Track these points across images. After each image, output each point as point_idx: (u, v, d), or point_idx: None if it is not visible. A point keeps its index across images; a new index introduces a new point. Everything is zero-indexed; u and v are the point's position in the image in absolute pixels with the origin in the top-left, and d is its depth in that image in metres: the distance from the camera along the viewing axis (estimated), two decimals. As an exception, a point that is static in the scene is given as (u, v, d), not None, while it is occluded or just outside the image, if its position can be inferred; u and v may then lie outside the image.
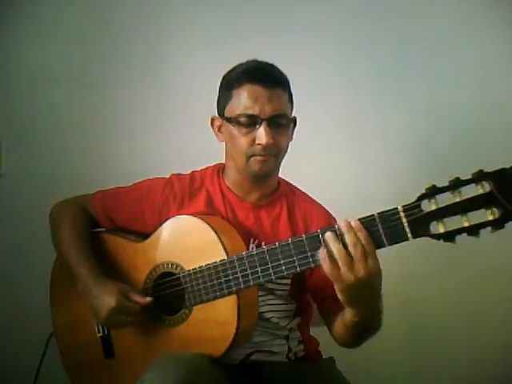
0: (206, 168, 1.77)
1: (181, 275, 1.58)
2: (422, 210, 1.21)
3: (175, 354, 1.49)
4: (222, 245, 1.51)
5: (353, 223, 1.27)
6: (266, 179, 1.66)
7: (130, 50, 2.47)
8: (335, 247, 1.27)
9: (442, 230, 1.19)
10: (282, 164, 1.69)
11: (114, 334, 1.70)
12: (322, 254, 1.29)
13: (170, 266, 1.61)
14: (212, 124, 1.70)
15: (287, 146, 1.64)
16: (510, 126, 2.28)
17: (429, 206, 1.20)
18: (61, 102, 2.47)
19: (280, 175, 1.75)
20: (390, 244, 1.26)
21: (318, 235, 1.33)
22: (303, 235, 1.36)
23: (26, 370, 1.93)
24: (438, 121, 2.36)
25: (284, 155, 1.65)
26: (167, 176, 1.76)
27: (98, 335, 1.71)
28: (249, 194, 1.68)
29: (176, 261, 1.59)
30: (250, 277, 1.45)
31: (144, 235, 1.69)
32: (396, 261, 2.18)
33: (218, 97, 1.67)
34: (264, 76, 1.58)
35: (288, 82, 1.64)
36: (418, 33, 2.37)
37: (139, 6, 2.47)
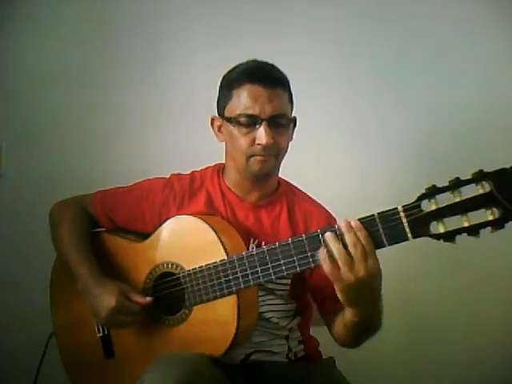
0: (206, 168, 1.77)
1: (181, 275, 1.57)
2: (422, 210, 1.21)
3: (175, 354, 1.49)
4: (222, 245, 1.51)
5: (353, 223, 1.27)
6: (265, 179, 1.66)
7: (130, 49, 2.47)
8: (335, 247, 1.27)
9: (442, 230, 1.19)
10: (282, 164, 1.69)
11: (113, 334, 1.70)
12: (321, 254, 1.29)
13: (169, 265, 1.61)
14: (212, 124, 1.70)
15: (287, 146, 1.64)
16: (509, 125, 2.28)
17: (429, 205, 1.20)
18: (61, 102, 2.47)
19: (280, 175, 1.75)
20: (390, 244, 1.26)
21: (318, 235, 1.33)
22: (303, 235, 1.36)
23: (26, 369, 1.93)
24: (437, 121, 2.36)
25: (284, 155, 1.65)
26: (167, 176, 1.76)
27: (98, 335, 1.71)
28: (249, 193, 1.68)
29: (176, 261, 1.59)
30: (250, 277, 1.45)
31: (144, 235, 1.69)
32: (396, 261, 2.18)
33: (218, 97, 1.67)
34: (264, 76, 1.58)
35: (288, 81, 1.64)
36: (418, 33, 2.37)
37: (139, 5, 2.47)
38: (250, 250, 1.53)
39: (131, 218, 1.74)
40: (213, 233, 1.53)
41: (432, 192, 1.19)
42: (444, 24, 2.36)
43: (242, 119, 1.57)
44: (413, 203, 1.21)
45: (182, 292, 1.57)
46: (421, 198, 1.21)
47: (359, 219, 1.28)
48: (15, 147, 2.46)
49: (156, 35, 2.47)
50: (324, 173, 2.36)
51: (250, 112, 1.55)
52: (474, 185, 1.16)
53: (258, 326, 1.61)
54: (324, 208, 1.73)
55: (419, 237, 1.22)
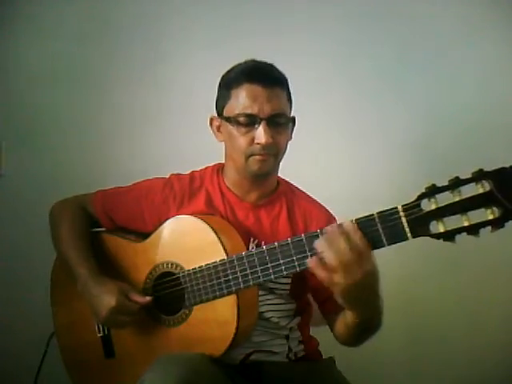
0: (206, 168, 1.77)
1: (180, 275, 1.58)
2: (421, 210, 1.20)
3: (175, 354, 1.49)
4: (222, 245, 1.51)
5: (346, 225, 1.27)
6: (265, 179, 1.66)
7: (130, 50, 2.47)
8: (327, 255, 1.25)
9: (441, 229, 1.19)
10: (281, 164, 1.69)
11: (114, 334, 1.70)
12: (311, 262, 1.28)
13: (169, 265, 1.61)
14: (211, 124, 1.70)
15: (286, 146, 1.64)
16: (509, 125, 2.28)
17: (428, 205, 1.20)
18: (61, 102, 2.47)
19: (280, 175, 1.75)
20: (389, 244, 1.25)
21: (318, 235, 1.32)
22: (303, 235, 1.36)
23: (27, 369, 1.92)
24: (437, 121, 2.36)
25: (283, 155, 1.65)
26: (167, 176, 1.76)
27: (99, 335, 1.71)
28: (248, 193, 1.68)
29: (176, 261, 1.59)
30: (249, 277, 1.45)
31: (144, 235, 1.69)
32: (396, 261, 2.19)
33: (217, 97, 1.67)
34: (263, 75, 1.58)
35: (287, 81, 1.64)
36: (418, 33, 2.37)
37: (139, 6, 2.47)
38: (250, 249, 1.53)
39: (131, 217, 1.74)
40: (212, 233, 1.53)
41: (432, 191, 1.19)
42: (444, 24, 2.37)
43: (241, 119, 1.57)
44: (412, 202, 1.21)
45: (181, 292, 1.57)
46: (420, 197, 1.20)
47: (358, 219, 1.28)
48: (15, 147, 2.46)
49: (156, 35, 2.48)
50: (324, 172, 2.36)
51: (249, 111, 1.55)
52: (473, 184, 1.16)
53: (258, 325, 1.61)
54: (324, 207, 1.73)
55: (419, 236, 1.22)
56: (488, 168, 1.15)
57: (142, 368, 1.43)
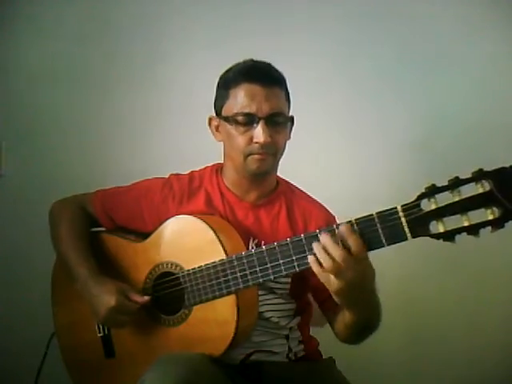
0: (205, 168, 1.77)
1: (180, 275, 1.58)
2: (421, 210, 1.20)
3: (176, 354, 1.49)
4: (221, 244, 1.51)
5: (341, 230, 1.28)
6: (264, 178, 1.66)
7: (131, 50, 2.47)
8: (322, 258, 1.28)
9: (441, 229, 1.19)
10: (281, 163, 1.69)
11: (114, 334, 1.70)
12: (310, 258, 1.31)
13: (169, 265, 1.61)
14: (209, 124, 1.70)
15: (285, 145, 1.64)
16: (509, 125, 2.28)
17: (428, 205, 1.20)
18: (61, 102, 2.47)
19: (280, 175, 1.75)
20: (388, 244, 1.26)
21: (317, 235, 1.32)
22: (302, 235, 1.36)
23: (28, 369, 1.92)
24: (437, 121, 2.36)
25: (282, 154, 1.65)
26: (166, 176, 1.76)
27: (99, 335, 1.71)
28: (247, 193, 1.68)
29: (176, 261, 1.59)
30: (248, 277, 1.45)
31: (144, 235, 1.69)
32: (396, 261, 2.20)
33: (216, 96, 1.67)
34: (261, 75, 1.58)
35: (285, 80, 1.64)
36: (418, 33, 2.37)
37: (139, 6, 2.47)
38: (250, 249, 1.54)
39: (130, 216, 1.74)
40: (212, 232, 1.53)
41: (431, 191, 1.19)
42: (444, 24, 2.36)
43: (240, 118, 1.57)
44: (412, 202, 1.21)
45: (181, 292, 1.57)
46: (420, 197, 1.20)
47: (357, 219, 1.28)
48: (15, 147, 2.46)
49: (156, 35, 2.48)
50: (323, 172, 2.36)
51: (247, 110, 1.56)
52: (473, 184, 1.16)
53: (258, 325, 1.61)
54: (323, 206, 1.73)
55: (418, 236, 1.22)
56: (488, 168, 1.15)
57: (142, 368, 1.43)
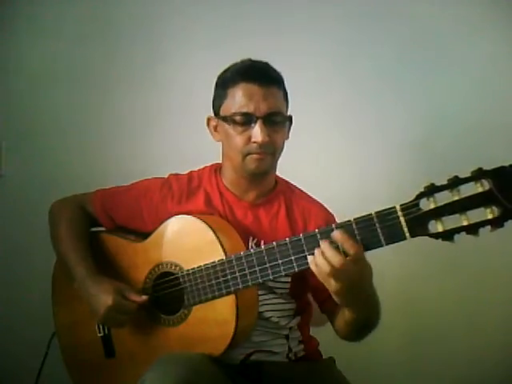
0: (204, 168, 1.78)
1: (180, 275, 1.58)
2: (420, 209, 1.20)
3: (176, 354, 1.49)
4: (221, 244, 1.51)
5: (335, 235, 1.29)
6: (262, 177, 1.66)
7: (131, 50, 2.47)
8: (321, 263, 1.30)
9: (440, 228, 1.19)
10: (281, 163, 1.69)
11: (114, 334, 1.70)
12: (309, 258, 1.33)
13: (169, 265, 1.61)
14: (208, 124, 1.70)
15: (283, 144, 1.64)
16: (509, 125, 2.28)
17: (427, 204, 1.20)
18: (61, 102, 2.47)
19: (280, 175, 1.75)
20: (387, 244, 1.26)
21: (316, 234, 1.33)
22: (301, 235, 1.36)
23: (28, 369, 1.93)
24: (437, 121, 2.36)
25: (280, 153, 1.65)
26: (166, 176, 1.76)
27: (99, 335, 1.71)
28: (246, 192, 1.68)
29: (175, 261, 1.60)
30: (248, 277, 1.46)
31: (144, 235, 1.69)
32: (396, 261, 2.20)
33: (214, 96, 1.67)
34: (259, 74, 1.58)
35: (283, 80, 1.65)
36: (418, 33, 2.37)
37: (140, 6, 2.47)
38: (249, 248, 1.55)
39: (130, 216, 1.75)
40: (211, 232, 1.53)
41: (430, 190, 1.19)
42: (444, 24, 2.36)
43: (238, 117, 1.57)
44: (411, 202, 1.21)
45: (181, 292, 1.57)
46: (419, 196, 1.20)
47: (356, 218, 1.28)
48: (15, 147, 2.46)
49: (156, 35, 2.48)
50: (323, 172, 2.36)
51: (245, 110, 1.56)
52: (473, 183, 1.15)
53: (258, 325, 1.61)
54: (322, 205, 1.73)
55: (417, 236, 1.22)
56: (488, 168, 1.15)
57: (142, 368, 1.43)
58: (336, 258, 1.27)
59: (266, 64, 1.64)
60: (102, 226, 1.80)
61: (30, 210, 2.35)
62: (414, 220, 1.21)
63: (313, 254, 1.32)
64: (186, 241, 1.59)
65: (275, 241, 1.41)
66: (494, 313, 2.32)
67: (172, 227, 1.63)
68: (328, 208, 1.73)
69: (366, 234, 1.27)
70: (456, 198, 1.17)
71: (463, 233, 1.18)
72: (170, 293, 1.60)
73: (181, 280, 1.57)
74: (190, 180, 1.73)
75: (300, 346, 1.71)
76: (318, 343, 1.78)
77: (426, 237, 1.22)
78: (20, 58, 2.50)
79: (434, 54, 2.37)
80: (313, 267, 1.31)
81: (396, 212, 1.23)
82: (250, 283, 1.46)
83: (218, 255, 1.51)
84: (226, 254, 1.50)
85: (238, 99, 1.57)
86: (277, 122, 1.59)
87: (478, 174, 1.15)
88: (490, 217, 1.15)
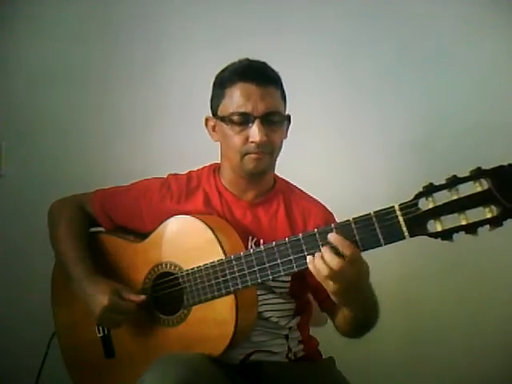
0: (202, 168, 1.78)
1: (179, 275, 1.58)
2: (418, 209, 1.20)
3: (175, 354, 1.49)
4: (220, 244, 1.51)
5: (332, 238, 1.30)
6: (261, 177, 1.66)
7: (130, 49, 2.48)
8: (320, 266, 1.30)
9: (439, 228, 1.19)
10: (281, 163, 1.69)
11: (114, 334, 1.70)
12: (308, 258, 1.33)
13: (168, 265, 1.61)
14: (206, 124, 1.70)
15: (281, 144, 1.64)
16: (509, 125, 2.28)
17: (426, 204, 1.20)
18: (61, 102, 2.47)
19: (280, 174, 1.75)
20: (386, 243, 1.26)
21: (315, 234, 1.33)
22: (300, 234, 1.36)
23: (28, 370, 1.92)
24: (437, 120, 2.36)
25: (278, 153, 1.65)
26: (165, 176, 1.76)
27: (98, 335, 1.71)
28: (245, 192, 1.68)
29: (175, 261, 1.60)
30: (247, 277, 1.45)
31: (143, 235, 1.69)
32: (396, 261, 2.20)
33: (211, 96, 1.67)
34: (256, 74, 1.58)
35: (280, 79, 1.65)
36: (418, 33, 2.38)
37: (139, 5, 2.48)
38: (249, 248, 1.55)
39: (129, 216, 1.75)
40: (210, 232, 1.53)
41: (429, 190, 1.19)
42: (444, 24, 2.37)
43: (235, 117, 1.57)
44: (409, 201, 1.21)
45: (180, 292, 1.57)
46: (418, 196, 1.20)
47: (355, 218, 1.28)
48: (15, 147, 2.46)
49: (156, 35, 2.48)
50: (323, 172, 2.36)
51: (243, 110, 1.56)
52: (471, 182, 1.15)
53: (258, 325, 1.61)
54: (321, 204, 1.73)
55: (416, 235, 1.22)
56: (487, 167, 1.15)
57: (142, 368, 1.43)
58: (334, 261, 1.28)
59: (264, 64, 1.64)
60: (101, 226, 1.80)
61: (30, 210, 2.35)
62: (413, 219, 1.21)
63: (312, 253, 1.32)
64: (186, 241, 1.59)
65: (274, 240, 1.41)
66: (495, 313, 2.32)
67: (171, 227, 1.63)
68: (328, 207, 1.73)
69: (364, 233, 1.27)
70: (455, 198, 1.17)
71: (462, 232, 1.18)
72: (169, 293, 1.60)
73: (180, 280, 1.57)
74: (188, 180, 1.73)
75: (300, 346, 1.71)
76: (317, 343, 1.78)
77: (426, 237, 1.21)
78: (19, 57, 2.50)
79: (433, 53, 2.37)
80: (311, 268, 1.32)
81: (395, 212, 1.23)
82: (249, 283, 1.46)
83: (217, 255, 1.50)
84: (225, 254, 1.50)
85: (236, 99, 1.57)
86: (275, 121, 1.59)
87: (477, 174, 1.15)
88: (488, 216, 1.14)
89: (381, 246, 1.26)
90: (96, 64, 2.48)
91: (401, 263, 2.27)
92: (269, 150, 1.59)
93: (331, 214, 1.71)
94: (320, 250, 1.32)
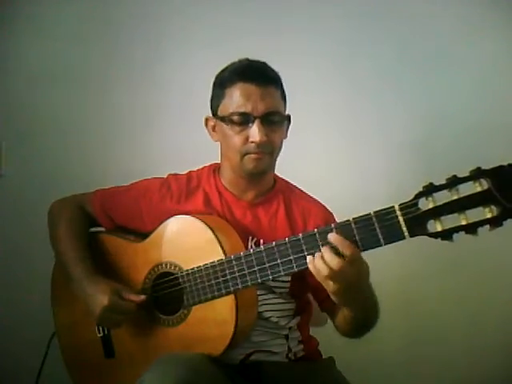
0: (202, 168, 1.78)
1: (179, 275, 1.58)
2: (418, 209, 1.20)
3: (175, 354, 1.49)
4: (220, 244, 1.51)
5: (332, 238, 1.30)
6: (261, 177, 1.66)
7: (130, 49, 2.48)
8: (320, 267, 1.31)
9: (439, 228, 1.19)
10: (281, 163, 1.69)
11: (114, 335, 1.70)
12: (308, 258, 1.34)
13: (168, 265, 1.61)
14: (206, 124, 1.71)
15: (281, 143, 1.65)
16: (509, 125, 2.28)
17: (426, 204, 1.20)
18: (61, 101, 2.47)
19: (280, 174, 1.75)
20: (386, 243, 1.26)
21: (315, 234, 1.33)
22: (300, 234, 1.36)
23: (28, 370, 1.92)
24: (437, 120, 2.36)
25: (278, 153, 1.65)
26: (165, 176, 1.76)
27: (98, 335, 1.71)
28: (245, 192, 1.68)
29: (175, 261, 1.60)
30: (247, 277, 1.45)
31: (143, 235, 1.69)
32: (396, 261, 2.20)
33: (211, 96, 1.68)
34: (256, 74, 1.59)
35: (280, 79, 1.65)
36: (418, 33, 2.38)
37: (139, 5, 2.48)
38: (249, 248, 1.55)
39: (129, 216, 1.75)
40: (210, 232, 1.53)
41: (429, 190, 1.19)
42: (444, 24, 2.37)
43: (235, 117, 1.57)
44: (409, 201, 1.21)
45: (180, 292, 1.57)
46: (418, 196, 1.20)
47: (355, 218, 1.29)
48: (15, 147, 2.46)
49: (155, 35, 2.48)
50: (324, 172, 2.36)
51: (243, 110, 1.56)
52: (471, 183, 1.15)
53: (258, 325, 1.61)
54: (321, 204, 1.73)
55: (416, 235, 1.22)
56: (487, 167, 1.15)
57: (142, 368, 1.43)
58: (334, 261, 1.28)
59: (264, 64, 1.64)
60: (101, 226, 1.80)
61: (30, 210, 2.35)
62: (413, 219, 1.21)
63: (312, 253, 1.33)
64: (186, 241, 1.59)
65: (274, 240, 1.41)
66: (495, 313, 2.32)
67: (171, 227, 1.63)
68: (328, 207, 1.73)
69: (364, 233, 1.27)
70: (455, 198, 1.17)
71: (462, 232, 1.18)
72: (169, 293, 1.60)
73: (180, 280, 1.57)
74: (188, 180, 1.73)
75: (300, 346, 1.71)
76: (317, 343, 1.78)
77: (427, 237, 1.21)
78: (19, 57, 2.50)
79: (433, 53, 2.37)
80: (311, 268, 1.32)
81: (395, 211, 1.23)
82: (249, 283, 1.46)
83: (217, 255, 1.50)
84: (225, 254, 1.50)
85: (236, 99, 1.57)
86: (274, 121, 1.59)
87: (477, 174, 1.15)
88: (488, 216, 1.15)
89: (381, 246, 1.26)
90: (96, 64, 2.48)
91: (401, 263, 2.27)
92: (269, 150, 1.59)
93: (331, 213, 1.71)
94: (320, 250, 1.32)
